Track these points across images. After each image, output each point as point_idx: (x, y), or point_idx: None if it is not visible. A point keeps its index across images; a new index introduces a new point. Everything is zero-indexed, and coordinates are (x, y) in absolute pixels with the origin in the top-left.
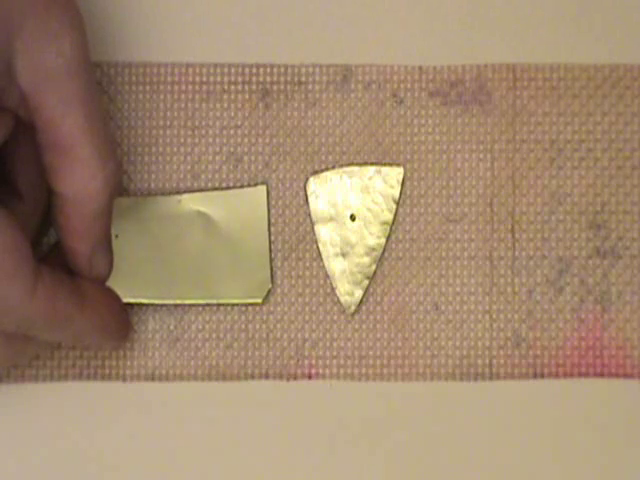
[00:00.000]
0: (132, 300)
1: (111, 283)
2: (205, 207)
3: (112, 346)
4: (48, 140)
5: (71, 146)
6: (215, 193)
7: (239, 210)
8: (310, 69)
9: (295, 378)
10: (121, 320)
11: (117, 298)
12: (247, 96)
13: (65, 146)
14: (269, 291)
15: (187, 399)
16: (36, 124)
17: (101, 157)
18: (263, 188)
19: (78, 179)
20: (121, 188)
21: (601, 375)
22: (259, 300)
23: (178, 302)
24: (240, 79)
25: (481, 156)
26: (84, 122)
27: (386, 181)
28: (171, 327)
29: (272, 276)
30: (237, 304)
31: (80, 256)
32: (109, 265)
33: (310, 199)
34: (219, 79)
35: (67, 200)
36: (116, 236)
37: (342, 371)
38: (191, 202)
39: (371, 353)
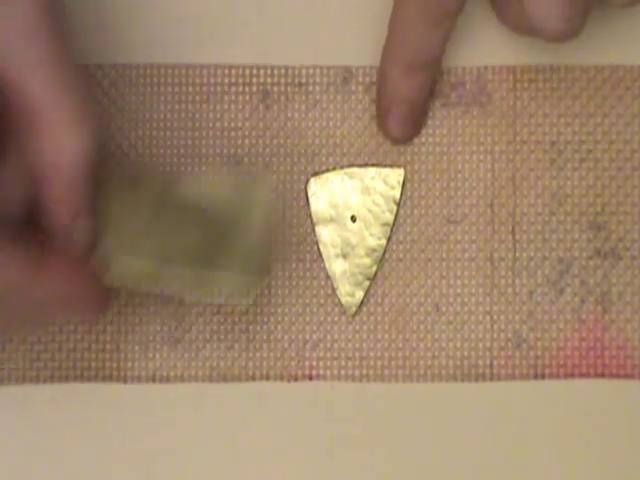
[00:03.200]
0: (128, 278)
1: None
2: (205, 203)
3: (84, 319)
4: (19, 108)
5: (40, 110)
6: (216, 190)
7: (239, 208)
8: (311, 70)
9: (296, 379)
10: (89, 294)
11: (87, 272)
12: (248, 97)
13: (35, 110)
14: (269, 291)
15: (188, 400)
16: (5, 96)
17: (75, 119)
18: (264, 187)
19: (53, 143)
20: (106, 154)
21: (602, 376)
22: (256, 295)
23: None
24: (241, 80)
25: (482, 157)
26: (52, 84)
27: (387, 182)
28: (172, 328)
29: (272, 276)
30: (234, 303)
31: (60, 221)
32: (91, 232)
33: (311, 200)
34: (220, 80)
35: (45, 166)
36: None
37: (343, 372)
38: (191, 198)
39: (372, 354)
